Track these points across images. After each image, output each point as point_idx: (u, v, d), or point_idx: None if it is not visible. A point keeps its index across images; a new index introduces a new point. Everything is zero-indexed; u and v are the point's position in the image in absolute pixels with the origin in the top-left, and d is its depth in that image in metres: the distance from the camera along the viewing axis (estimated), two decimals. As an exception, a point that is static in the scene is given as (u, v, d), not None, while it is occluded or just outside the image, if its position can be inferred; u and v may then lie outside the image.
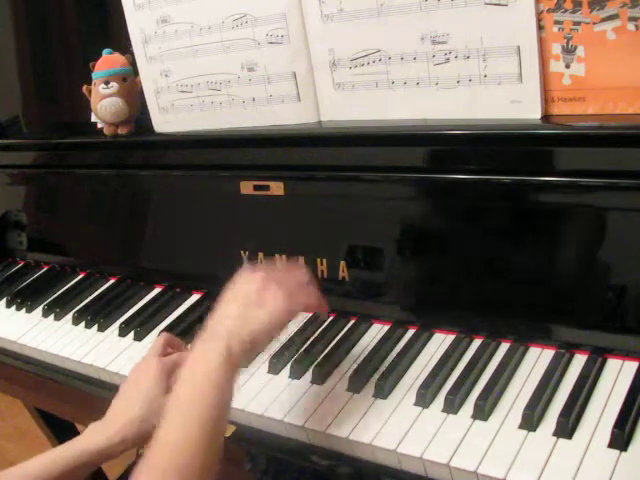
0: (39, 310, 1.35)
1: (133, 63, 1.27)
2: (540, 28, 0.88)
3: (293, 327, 1.11)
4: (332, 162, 1.07)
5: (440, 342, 0.99)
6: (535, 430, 0.80)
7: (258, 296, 0.87)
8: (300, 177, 1.10)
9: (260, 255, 1.15)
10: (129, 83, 1.28)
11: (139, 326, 1.21)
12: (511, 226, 0.93)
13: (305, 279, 0.93)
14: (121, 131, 1.30)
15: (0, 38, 1.57)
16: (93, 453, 0.90)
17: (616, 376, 0.85)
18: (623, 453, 0.75)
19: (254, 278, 0.90)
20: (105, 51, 1.28)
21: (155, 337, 1.17)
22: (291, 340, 1.07)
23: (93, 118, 1.34)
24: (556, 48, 0.88)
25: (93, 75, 1.28)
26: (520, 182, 0.90)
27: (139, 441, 0.91)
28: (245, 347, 0.83)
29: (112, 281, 1.40)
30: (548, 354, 0.91)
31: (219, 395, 0.79)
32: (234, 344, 0.82)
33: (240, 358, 0.83)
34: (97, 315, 1.27)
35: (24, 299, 1.39)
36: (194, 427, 0.76)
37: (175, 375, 0.97)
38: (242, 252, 1.17)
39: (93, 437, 0.92)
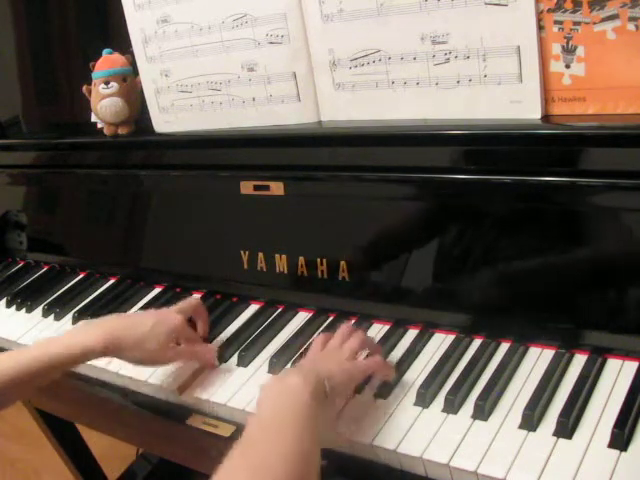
0: (39, 310, 1.35)
1: (133, 63, 1.27)
2: (540, 28, 0.88)
3: (293, 327, 1.11)
4: (332, 162, 1.07)
5: (440, 342, 0.99)
6: (535, 430, 0.81)
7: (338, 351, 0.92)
8: (300, 177, 1.10)
9: (260, 255, 1.16)
10: (129, 83, 1.28)
11: (139, 326, 1.21)
12: (511, 226, 0.93)
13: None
14: (121, 131, 1.30)
15: (0, 38, 1.57)
16: (74, 354, 0.95)
17: (616, 376, 0.85)
18: (623, 453, 0.75)
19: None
20: (105, 51, 1.28)
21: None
22: (291, 340, 1.07)
23: (93, 118, 1.35)
24: (556, 48, 0.88)
25: (93, 75, 1.28)
26: (520, 182, 0.90)
27: (114, 356, 0.99)
28: (326, 386, 0.82)
29: (112, 281, 1.40)
30: (548, 354, 0.91)
31: (305, 430, 0.74)
32: (317, 378, 0.81)
33: (321, 397, 0.80)
34: (97, 315, 1.26)
35: (24, 299, 1.39)
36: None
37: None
38: (242, 252, 1.18)
39: (82, 335, 0.97)
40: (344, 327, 0.98)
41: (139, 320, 1.02)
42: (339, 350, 0.92)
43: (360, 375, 0.91)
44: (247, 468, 0.69)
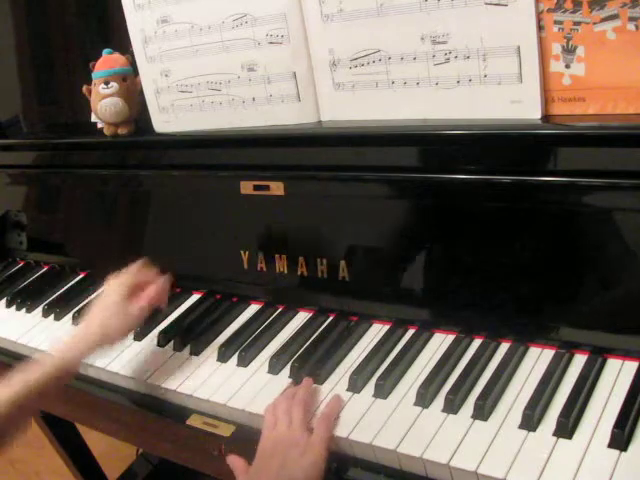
0: (39, 310, 1.35)
1: (133, 63, 1.27)
2: (540, 28, 0.88)
3: (293, 327, 1.11)
4: (332, 162, 1.07)
5: (440, 342, 0.99)
6: (535, 430, 0.81)
7: (296, 452, 0.86)
8: (300, 177, 1.10)
9: (260, 255, 1.16)
10: (129, 83, 1.28)
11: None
12: (511, 226, 0.93)
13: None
14: (121, 131, 1.30)
15: (0, 38, 1.57)
16: (51, 376, 0.97)
17: (616, 376, 0.85)
18: (623, 453, 0.75)
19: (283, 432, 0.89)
20: (105, 51, 1.28)
21: (154, 337, 1.17)
22: (291, 340, 1.07)
23: (93, 118, 1.35)
24: (556, 48, 0.88)
25: (93, 75, 1.28)
26: (520, 182, 0.90)
27: (91, 353, 1.02)
28: None
29: (112, 281, 1.40)
30: (548, 354, 0.91)
31: None
32: None
33: None
34: (97, 315, 1.27)
35: (24, 299, 1.39)
36: None
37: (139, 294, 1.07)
38: (242, 252, 1.18)
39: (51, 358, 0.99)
40: (283, 405, 0.93)
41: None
42: (290, 437, 0.88)
43: None
44: None
